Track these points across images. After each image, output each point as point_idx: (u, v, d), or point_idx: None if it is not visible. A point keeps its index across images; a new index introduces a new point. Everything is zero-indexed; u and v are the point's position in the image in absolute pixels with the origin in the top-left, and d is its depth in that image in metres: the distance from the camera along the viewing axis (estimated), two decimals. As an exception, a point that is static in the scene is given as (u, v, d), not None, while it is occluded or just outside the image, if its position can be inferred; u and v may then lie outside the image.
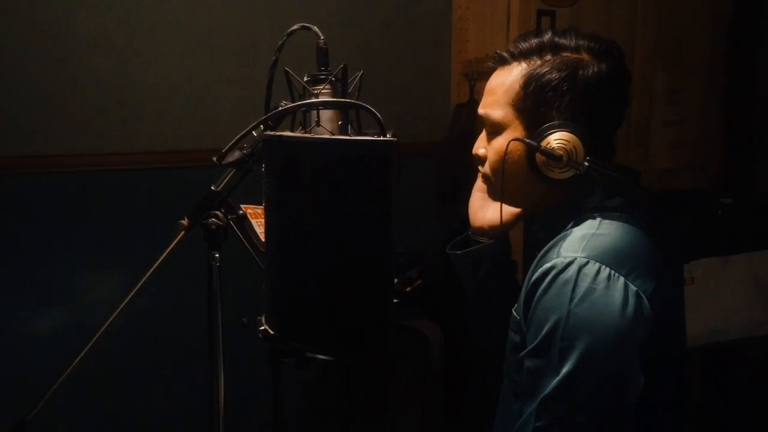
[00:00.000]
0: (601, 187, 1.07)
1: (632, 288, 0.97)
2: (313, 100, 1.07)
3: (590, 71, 1.05)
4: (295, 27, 1.13)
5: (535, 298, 1.00)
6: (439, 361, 2.30)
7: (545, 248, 1.07)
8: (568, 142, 1.02)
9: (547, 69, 1.05)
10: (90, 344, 1.11)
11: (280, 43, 1.14)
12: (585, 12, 2.22)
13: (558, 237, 1.06)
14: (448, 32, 2.50)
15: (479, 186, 1.27)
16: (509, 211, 1.22)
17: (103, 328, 1.11)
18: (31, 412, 1.12)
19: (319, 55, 1.12)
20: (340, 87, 1.10)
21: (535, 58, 1.07)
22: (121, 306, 1.11)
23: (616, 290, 0.96)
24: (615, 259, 0.99)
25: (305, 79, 1.10)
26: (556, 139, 1.03)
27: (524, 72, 1.07)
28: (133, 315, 1.97)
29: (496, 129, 1.11)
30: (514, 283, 1.30)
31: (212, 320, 1.16)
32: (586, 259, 0.98)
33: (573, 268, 0.97)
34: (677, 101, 2.44)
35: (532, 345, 0.99)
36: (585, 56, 1.06)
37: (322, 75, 1.10)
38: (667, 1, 2.38)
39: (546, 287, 0.99)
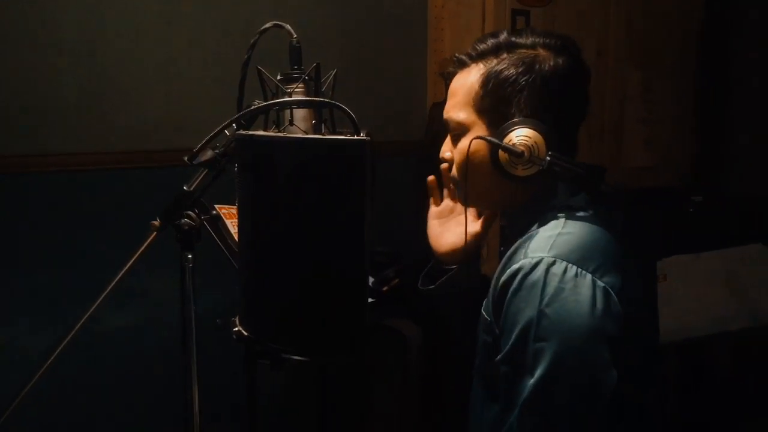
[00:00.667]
0: (564, 182, 1.08)
1: (600, 284, 0.98)
2: (286, 99, 1.06)
3: (547, 65, 1.06)
4: (267, 25, 1.13)
5: (506, 301, 1.01)
6: (417, 360, 2.30)
7: (512, 249, 1.08)
8: (530, 138, 1.04)
9: (504, 66, 1.07)
10: (60, 347, 1.09)
11: (252, 41, 1.13)
12: (559, 12, 2.24)
13: (524, 237, 1.07)
14: (423, 31, 2.50)
15: (433, 213, 1.30)
16: (470, 231, 1.21)
17: (74, 331, 1.10)
18: (0, 417, 1.10)
19: (292, 53, 1.11)
20: (313, 86, 1.09)
21: (491, 57, 1.09)
22: (92, 308, 1.10)
23: (584, 287, 0.97)
24: (582, 256, 0.99)
25: (278, 77, 1.10)
26: (518, 136, 1.04)
27: (482, 71, 1.09)
28: (105, 317, 1.96)
29: (459, 131, 1.12)
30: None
31: (186, 321, 1.14)
32: (553, 259, 0.98)
33: (541, 269, 0.98)
34: (651, 100, 2.47)
35: (507, 350, 1.00)
36: (541, 52, 1.08)
37: (295, 74, 1.10)
38: (640, 2, 2.40)
39: (515, 289, 0.99)
